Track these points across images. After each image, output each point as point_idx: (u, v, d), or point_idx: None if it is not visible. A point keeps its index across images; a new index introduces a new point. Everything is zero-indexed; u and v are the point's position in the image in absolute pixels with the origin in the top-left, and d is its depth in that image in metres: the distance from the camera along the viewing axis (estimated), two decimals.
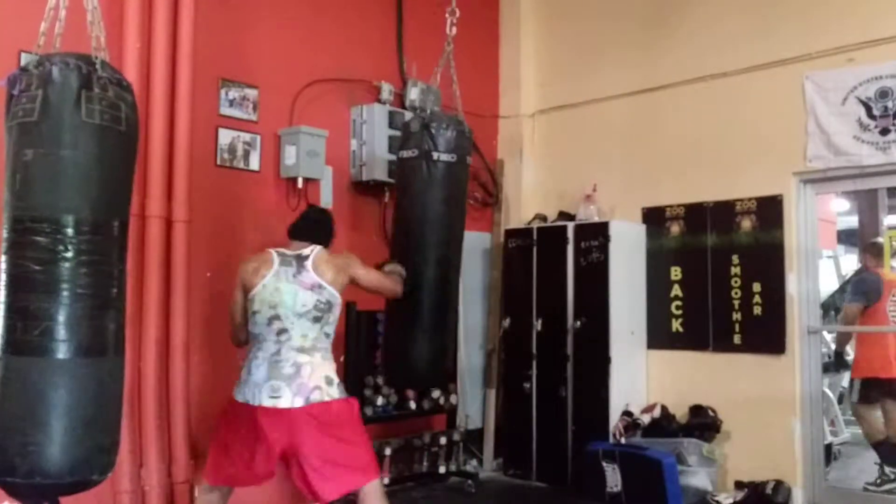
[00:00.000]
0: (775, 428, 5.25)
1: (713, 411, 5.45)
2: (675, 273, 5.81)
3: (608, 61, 6.30)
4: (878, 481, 5.69)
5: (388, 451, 5.32)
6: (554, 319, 5.88)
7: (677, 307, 5.78)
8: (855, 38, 5.05)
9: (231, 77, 4.95)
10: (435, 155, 4.16)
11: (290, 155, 5.08)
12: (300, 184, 5.11)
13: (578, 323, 5.75)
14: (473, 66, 6.06)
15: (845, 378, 6.69)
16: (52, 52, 2.75)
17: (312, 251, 3.60)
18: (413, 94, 5.86)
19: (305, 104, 5.30)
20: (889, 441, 5.95)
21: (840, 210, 9.86)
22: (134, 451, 4.28)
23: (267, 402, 3.41)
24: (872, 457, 5.95)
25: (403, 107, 5.84)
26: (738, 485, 5.31)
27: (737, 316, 5.47)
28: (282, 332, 3.50)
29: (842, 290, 7.35)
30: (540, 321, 5.97)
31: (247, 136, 5.01)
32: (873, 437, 6.03)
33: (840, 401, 6.95)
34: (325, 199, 5.39)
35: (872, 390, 6.07)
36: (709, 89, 5.70)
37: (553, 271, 5.92)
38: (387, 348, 4.63)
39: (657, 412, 5.57)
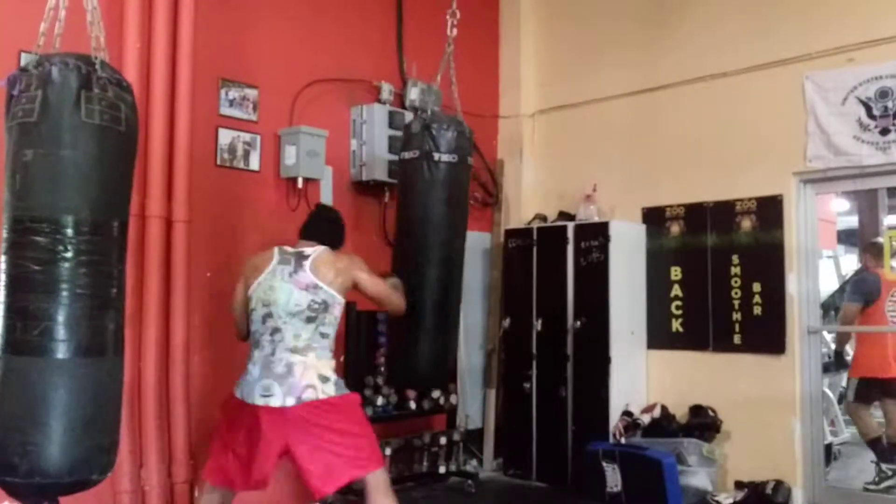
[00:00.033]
0: (775, 428, 5.25)
1: (713, 411, 5.45)
2: (675, 273, 5.81)
3: (608, 61, 6.30)
4: (877, 479, 5.69)
5: (388, 451, 5.31)
6: (554, 319, 5.88)
7: (677, 307, 5.78)
8: (855, 38, 5.05)
9: (231, 77, 4.95)
10: (436, 155, 4.17)
11: (290, 155, 5.08)
12: (300, 184, 5.11)
13: (578, 323, 5.75)
14: (473, 66, 6.06)
15: (845, 378, 6.70)
16: (52, 53, 2.75)
17: (315, 251, 3.57)
18: (413, 94, 5.86)
19: (305, 104, 5.31)
20: (884, 439, 5.97)
21: (840, 210, 9.85)
22: (134, 451, 4.28)
23: (259, 401, 3.41)
24: (872, 456, 5.95)
25: (403, 107, 5.85)
26: (738, 485, 5.31)
27: (737, 316, 5.47)
28: (275, 331, 3.49)
29: (842, 290, 7.35)
30: (540, 321, 5.97)
31: (247, 136, 5.01)
32: (868, 436, 6.05)
33: (840, 401, 6.96)
34: (325, 200, 5.39)
35: (869, 390, 6.08)
36: (709, 89, 5.70)
37: (553, 271, 5.92)
38: (390, 348, 4.64)
39: (657, 412, 5.57)
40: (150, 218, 4.40)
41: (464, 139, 4.28)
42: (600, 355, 5.61)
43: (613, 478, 5.21)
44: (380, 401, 5.37)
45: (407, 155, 4.30)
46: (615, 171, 6.15)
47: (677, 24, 5.94)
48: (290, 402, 3.38)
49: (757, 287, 5.40)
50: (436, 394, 5.71)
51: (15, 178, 2.67)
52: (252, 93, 5.05)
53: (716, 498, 5.20)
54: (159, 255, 4.42)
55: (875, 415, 6.52)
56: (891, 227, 8.24)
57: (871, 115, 5.01)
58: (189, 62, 4.60)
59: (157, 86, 4.47)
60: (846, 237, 10.29)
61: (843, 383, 6.85)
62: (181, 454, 4.46)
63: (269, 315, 3.51)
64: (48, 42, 2.82)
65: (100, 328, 2.70)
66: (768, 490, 5.09)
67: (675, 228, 5.84)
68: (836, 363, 6.70)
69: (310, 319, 3.48)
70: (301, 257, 3.56)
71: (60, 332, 2.60)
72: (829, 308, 7.13)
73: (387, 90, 5.75)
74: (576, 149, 6.48)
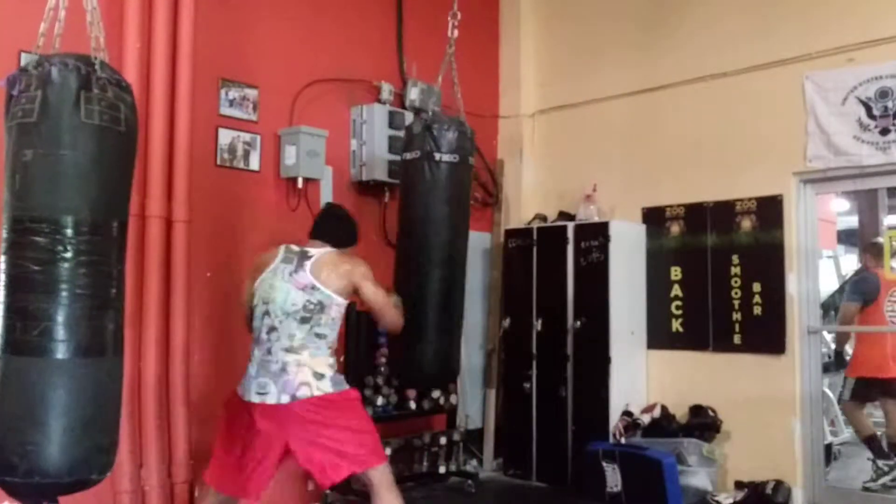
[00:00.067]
0: (775, 428, 5.25)
1: (713, 411, 5.45)
2: (675, 273, 5.81)
3: (608, 61, 6.30)
4: (874, 476, 5.71)
5: (388, 451, 5.28)
6: (554, 319, 5.88)
7: (677, 307, 5.78)
8: (855, 38, 5.05)
9: (231, 77, 4.95)
10: (437, 156, 4.18)
11: (290, 155, 5.09)
12: (300, 184, 5.11)
13: (578, 323, 5.75)
14: (473, 66, 6.06)
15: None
16: (52, 53, 2.75)
17: (320, 252, 3.57)
18: (413, 94, 5.86)
19: (305, 104, 5.31)
20: (882, 437, 5.99)
21: (840, 210, 9.85)
22: (134, 451, 4.28)
23: (255, 399, 3.43)
24: (870, 455, 5.96)
25: (403, 107, 5.85)
26: (738, 485, 5.31)
27: (737, 316, 5.47)
28: (272, 329, 3.50)
29: (841, 290, 7.34)
30: (540, 321, 5.97)
31: (247, 136, 5.01)
32: (863, 433, 6.09)
33: (840, 401, 6.95)
34: (325, 199, 5.39)
35: (867, 389, 6.09)
36: (709, 89, 5.70)
37: (553, 271, 5.92)
38: (394, 348, 4.65)
39: (657, 412, 5.58)
40: (150, 218, 4.40)
41: (465, 139, 4.29)
42: (600, 355, 5.61)
43: (613, 478, 5.22)
44: (380, 401, 5.37)
45: (408, 155, 4.31)
46: (615, 171, 6.15)
47: (677, 24, 5.94)
48: (285, 399, 3.39)
49: (757, 287, 5.41)
50: (436, 394, 5.71)
51: (14, 179, 2.67)
52: (252, 93, 5.05)
53: (716, 498, 5.20)
54: (159, 255, 4.42)
55: (875, 414, 6.54)
56: (891, 227, 8.24)
57: (871, 115, 5.01)
58: (189, 62, 4.60)
59: (157, 86, 4.47)
60: (846, 237, 10.29)
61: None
62: (181, 454, 4.46)
63: (266, 313, 3.53)
64: (48, 42, 2.81)
65: (99, 328, 2.70)
66: (768, 490, 5.09)
67: (675, 228, 5.84)
68: (836, 363, 6.70)
69: (304, 320, 3.47)
70: (304, 257, 3.55)
71: (60, 333, 2.60)
72: (829, 308, 7.13)
73: (387, 90, 5.75)
74: (576, 149, 6.48)
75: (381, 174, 5.54)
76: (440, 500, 5.47)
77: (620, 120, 6.20)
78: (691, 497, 5.15)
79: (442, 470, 5.70)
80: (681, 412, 5.58)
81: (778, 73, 5.36)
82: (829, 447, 5.70)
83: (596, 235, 5.75)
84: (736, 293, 5.49)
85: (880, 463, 5.78)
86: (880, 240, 6.07)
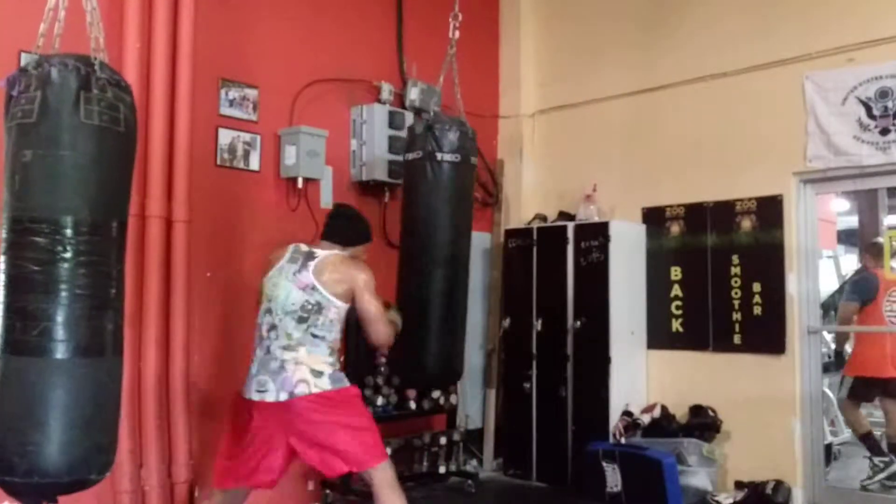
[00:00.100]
0: (775, 428, 5.25)
1: (713, 411, 5.45)
2: (675, 273, 5.81)
3: (608, 61, 6.30)
4: (871, 474, 5.73)
5: (388, 451, 5.30)
6: (554, 319, 5.88)
7: (677, 307, 5.78)
8: (855, 38, 5.05)
9: (231, 77, 4.95)
10: (439, 156, 4.20)
11: (290, 155, 5.08)
12: (300, 184, 5.11)
13: (578, 323, 5.75)
14: (473, 66, 6.06)
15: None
16: (52, 53, 2.75)
17: (325, 253, 3.60)
18: (413, 94, 5.86)
19: (305, 104, 5.31)
20: (881, 435, 6.01)
21: (840, 210, 9.85)
22: (134, 451, 4.28)
23: (255, 397, 3.47)
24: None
25: (403, 107, 5.84)
26: (738, 485, 5.31)
27: (737, 316, 5.47)
28: (272, 327, 3.53)
29: (841, 290, 7.35)
30: (540, 321, 5.97)
31: (247, 136, 5.01)
32: (859, 431, 6.11)
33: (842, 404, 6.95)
34: (325, 199, 5.40)
35: (864, 389, 6.11)
36: (709, 89, 5.70)
37: (553, 271, 5.92)
38: (397, 348, 4.64)
39: (657, 412, 5.57)
40: (150, 218, 4.40)
41: (466, 139, 4.31)
42: (600, 355, 5.61)
43: (613, 478, 5.22)
44: (380, 401, 5.37)
45: (410, 156, 4.33)
46: (615, 171, 6.15)
47: (677, 24, 5.94)
48: (284, 396, 3.41)
49: (757, 287, 5.40)
50: (436, 394, 5.71)
51: (14, 179, 2.67)
52: (252, 93, 5.05)
53: (716, 498, 5.20)
54: (159, 255, 4.42)
55: (875, 414, 6.54)
56: (891, 227, 8.23)
57: (871, 115, 5.01)
58: (189, 62, 4.60)
59: (157, 86, 4.47)
60: (846, 237, 10.28)
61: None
62: (181, 454, 4.46)
63: (269, 311, 3.57)
64: (48, 43, 2.82)
65: (99, 328, 2.70)
66: (768, 490, 5.09)
67: (675, 228, 5.84)
68: (836, 363, 6.71)
69: (301, 320, 3.49)
70: (309, 257, 3.58)
71: (59, 333, 2.61)
72: (830, 308, 7.13)
73: (387, 90, 5.75)
74: (576, 149, 6.48)
75: (381, 174, 5.54)
76: (440, 500, 5.47)
77: (620, 120, 6.20)
78: (691, 497, 5.15)
79: (442, 470, 5.70)
80: (681, 412, 5.58)
81: (778, 73, 5.35)
82: (829, 447, 5.70)
83: (596, 235, 5.75)
84: (736, 293, 5.49)
85: (876, 460, 5.80)
86: (880, 240, 6.07)
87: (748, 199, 5.48)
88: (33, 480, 2.59)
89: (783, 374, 5.25)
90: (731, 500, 5.18)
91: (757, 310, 5.39)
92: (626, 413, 5.54)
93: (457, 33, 4.56)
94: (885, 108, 4.95)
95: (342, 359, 4.92)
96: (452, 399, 5.85)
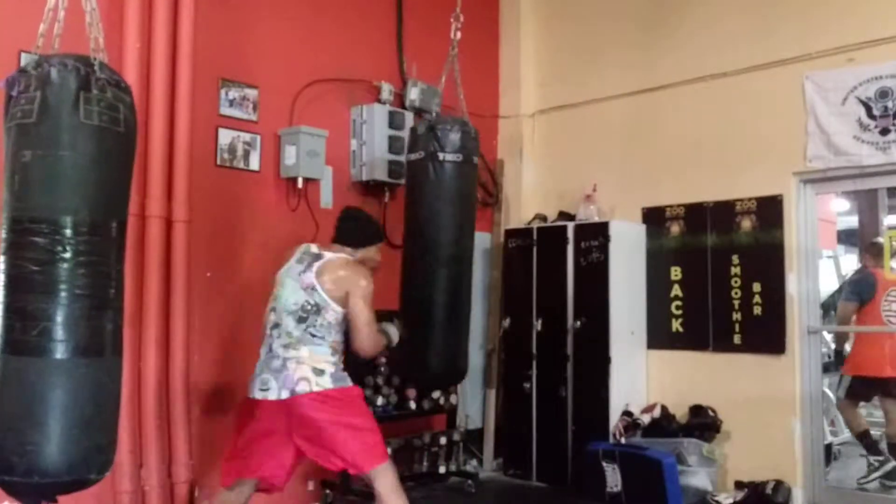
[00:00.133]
0: (775, 428, 5.25)
1: (713, 411, 5.45)
2: (675, 273, 5.81)
3: (608, 61, 6.30)
4: (867, 472, 5.75)
5: (389, 453, 5.31)
6: (554, 319, 5.88)
7: (677, 307, 5.78)
8: (855, 38, 5.05)
9: (231, 77, 4.95)
10: (441, 156, 4.22)
11: (290, 155, 5.09)
12: (300, 184, 5.12)
13: (578, 323, 5.75)
14: (473, 66, 6.06)
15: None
16: (51, 54, 2.76)
17: (331, 255, 3.62)
18: (413, 94, 5.86)
19: (305, 104, 5.31)
20: (878, 434, 6.03)
21: (840, 210, 9.84)
22: (134, 451, 4.28)
23: (258, 395, 3.51)
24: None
25: (403, 107, 5.85)
26: (738, 485, 5.31)
27: (737, 316, 5.47)
28: (275, 326, 3.58)
29: (841, 289, 7.35)
30: (540, 321, 5.97)
31: (247, 136, 5.01)
32: (855, 430, 6.13)
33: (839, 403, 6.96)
34: (325, 200, 5.40)
35: (862, 388, 6.12)
36: (709, 89, 5.70)
37: (553, 271, 5.92)
38: (401, 348, 4.65)
39: (657, 412, 5.57)
40: (150, 218, 4.40)
41: (469, 139, 4.33)
42: (600, 355, 5.61)
43: (613, 478, 5.22)
44: (380, 401, 5.37)
45: (413, 156, 4.36)
46: (615, 171, 6.15)
47: (677, 24, 5.93)
48: (285, 394, 3.45)
49: (757, 287, 5.40)
50: (436, 394, 5.71)
51: (14, 179, 2.68)
52: (252, 93, 5.05)
53: (716, 498, 5.20)
54: (159, 255, 4.43)
55: (875, 414, 6.54)
56: (891, 227, 8.23)
57: (871, 115, 5.01)
58: (189, 62, 4.60)
59: (157, 86, 4.47)
60: (846, 237, 10.27)
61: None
62: (181, 454, 4.46)
63: (273, 309, 3.62)
64: (47, 43, 2.82)
65: (98, 328, 2.71)
66: (768, 490, 5.09)
67: (675, 228, 5.84)
68: (836, 363, 6.71)
69: (301, 319, 3.53)
70: (316, 258, 3.61)
71: (59, 333, 2.61)
72: (830, 308, 7.13)
73: (387, 90, 5.75)
74: (576, 149, 6.48)
75: (381, 174, 5.54)
76: (440, 500, 5.47)
77: (620, 120, 6.20)
78: (691, 497, 5.15)
79: (442, 470, 5.70)
80: (681, 412, 5.58)
81: (778, 73, 5.35)
82: (829, 447, 5.70)
83: (596, 235, 5.75)
84: (736, 293, 5.48)
85: (871, 459, 5.81)
86: (880, 240, 6.07)
87: (748, 199, 5.48)
88: (33, 480, 2.60)
89: (783, 374, 5.25)
90: (731, 500, 5.17)
91: (757, 310, 5.39)
92: (626, 413, 5.54)
93: (458, 34, 4.56)
94: (885, 108, 4.95)
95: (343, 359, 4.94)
96: (452, 399, 5.85)
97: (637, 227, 5.98)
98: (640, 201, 6.01)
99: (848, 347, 6.60)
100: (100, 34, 2.87)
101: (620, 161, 6.16)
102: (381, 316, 4.42)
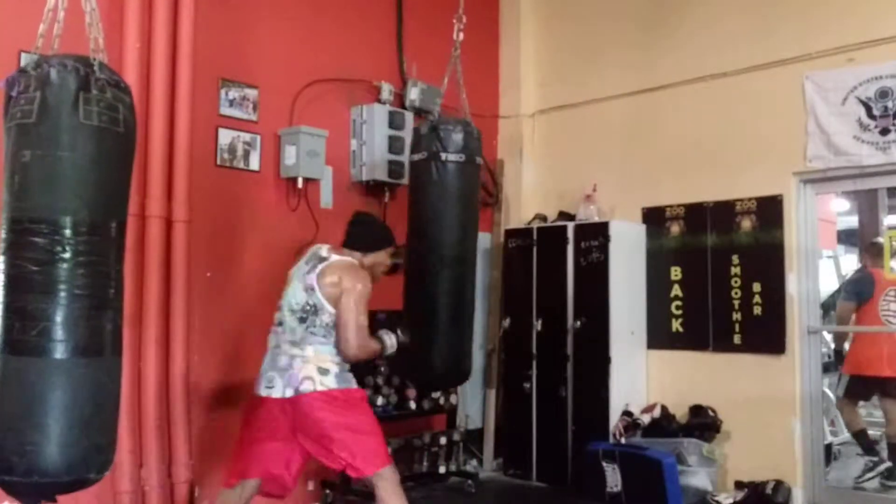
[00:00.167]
0: (775, 428, 5.25)
1: (713, 411, 5.45)
2: (675, 273, 5.81)
3: (608, 61, 6.30)
4: (863, 471, 5.77)
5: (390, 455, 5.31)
6: (554, 319, 5.88)
7: (677, 307, 5.78)
8: (855, 38, 5.05)
9: (231, 77, 4.95)
10: (443, 156, 4.23)
11: (290, 155, 5.09)
12: (300, 184, 5.12)
13: (578, 323, 5.75)
14: (473, 66, 6.03)
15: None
16: (51, 54, 2.76)
17: (334, 258, 3.64)
18: (413, 94, 5.86)
19: (305, 104, 5.31)
20: (879, 436, 6.05)
21: (840, 210, 9.84)
22: (134, 451, 4.28)
23: (263, 392, 3.55)
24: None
25: (403, 107, 5.85)
26: (738, 485, 5.31)
27: (737, 316, 5.47)
28: (280, 323, 3.64)
29: (840, 290, 7.35)
30: (540, 321, 5.97)
31: (247, 136, 5.01)
32: (852, 428, 6.16)
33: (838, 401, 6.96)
34: (325, 200, 5.40)
35: (860, 387, 6.13)
36: (709, 89, 5.70)
37: (553, 271, 5.92)
38: (403, 354, 4.65)
39: (657, 412, 5.57)
40: (150, 218, 4.41)
41: (472, 139, 4.34)
42: (600, 355, 5.61)
43: (613, 478, 5.22)
44: (380, 401, 5.37)
45: (415, 157, 4.37)
46: (615, 171, 6.15)
47: (677, 24, 5.94)
48: (289, 392, 3.48)
49: (757, 287, 5.40)
50: (436, 394, 5.71)
51: (13, 179, 2.67)
52: (252, 93, 5.05)
53: (716, 498, 5.20)
54: (159, 255, 4.43)
55: (875, 414, 6.54)
56: (891, 227, 8.22)
57: (871, 115, 5.01)
58: (189, 62, 4.60)
59: (157, 86, 4.48)
60: (846, 237, 10.27)
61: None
62: (181, 454, 4.46)
63: (280, 307, 3.67)
64: (47, 43, 2.82)
65: (98, 328, 2.70)
66: (768, 490, 5.09)
67: (675, 228, 5.84)
68: (835, 363, 6.71)
69: (302, 319, 3.57)
70: (321, 260, 3.64)
71: (58, 333, 2.61)
72: (830, 308, 7.13)
73: (387, 90, 5.75)
74: (576, 149, 6.48)
75: (381, 174, 5.54)
76: (440, 500, 5.47)
77: (620, 120, 6.20)
78: (691, 497, 5.16)
79: (442, 470, 5.70)
80: (681, 412, 5.58)
81: (778, 73, 5.35)
82: (829, 447, 5.70)
83: (596, 235, 5.75)
84: (736, 293, 5.49)
85: (865, 459, 5.85)
86: (880, 240, 6.08)
87: (748, 199, 5.48)
88: (33, 480, 2.60)
89: (783, 374, 5.25)
90: (731, 500, 5.18)
91: (757, 310, 5.39)
92: (626, 413, 5.54)
93: (461, 35, 4.57)
94: (885, 108, 4.95)
95: None
96: (452, 399, 5.85)
97: (637, 227, 5.98)
98: (640, 201, 6.01)
99: (847, 347, 6.61)
100: (100, 34, 2.86)
101: (620, 161, 6.16)
102: (387, 320, 4.44)
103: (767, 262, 5.37)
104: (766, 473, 5.19)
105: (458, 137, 4.24)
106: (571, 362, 5.76)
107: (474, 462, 6.26)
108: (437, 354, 4.26)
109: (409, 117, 5.75)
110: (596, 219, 5.94)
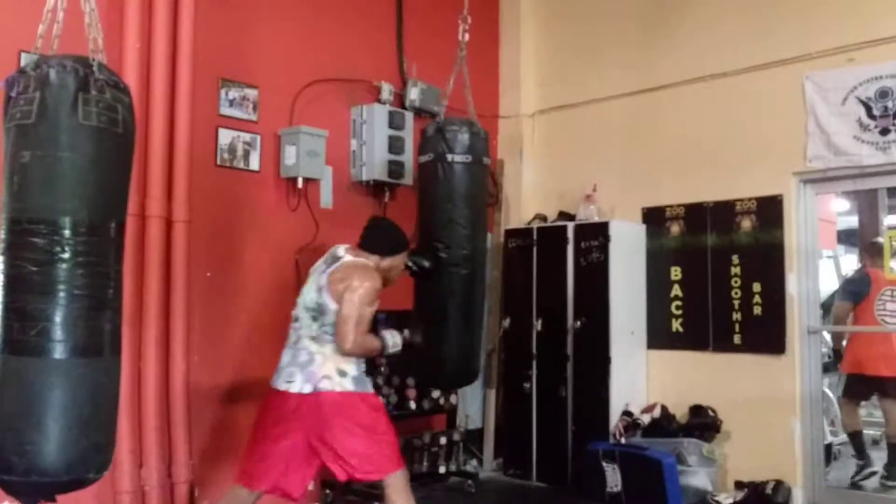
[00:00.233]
0: (775, 428, 5.25)
1: (713, 411, 5.45)
2: (675, 273, 5.81)
3: (608, 61, 6.30)
4: (856, 472, 5.80)
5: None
6: (554, 319, 5.88)
7: (677, 307, 5.78)
8: (855, 38, 5.05)
9: (231, 77, 4.95)
10: (449, 157, 4.29)
11: (290, 155, 5.09)
12: (300, 184, 5.12)
13: (578, 323, 5.75)
14: (473, 66, 6.00)
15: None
16: (50, 54, 2.76)
17: (349, 258, 3.66)
18: (413, 94, 5.87)
19: (305, 104, 5.31)
20: (861, 435, 6.07)
21: (840, 210, 9.83)
22: (134, 451, 4.28)
23: (282, 386, 3.55)
24: (873, 457, 5.98)
25: (403, 107, 5.85)
26: (738, 485, 5.31)
27: (737, 316, 5.47)
28: (296, 320, 3.67)
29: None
30: (540, 321, 5.97)
31: (247, 136, 5.01)
32: (848, 429, 6.17)
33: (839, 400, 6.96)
34: (325, 199, 5.41)
35: (859, 386, 6.13)
36: (709, 89, 5.70)
37: (553, 271, 5.92)
38: (410, 352, 4.66)
39: (657, 412, 5.57)
40: (150, 218, 4.41)
41: (478, 140, 4.41)
42: (600, 355, 5.61)
43: (613, 478, 5.22)
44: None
45: (423, 158, 4.42)
46: (615, 171, 6.15)
47: (677, 24, 5.93)
48: (308, 389, 3.49)
49: (757, 287, 5.40)
50: (436, 394, 5.72)
51: (13, 180, 2.68)
52: (252, 93, 5.05)
53: (716, 498, 5.20)
54: (159, 255, 4.43)
55: (874, 414, 6.54)
56: (891, 227, 8.21)
57: (871, 115, 5.01)
58: (189, 62, 4.61)
59: (157, 86, 4.48)
60: (846, 237, 10.25)
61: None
62: (181, 454, 4.47)
63: (296, 304, 3.71)
64: (46, 44, 2.82)
65: (97, 328, 2.71)
66: (768, 490, 5.09)
67: (675, 228, 5.84)
68: (835, 362, 6.71)
69: (314, 318, 3.60)
70: (335, 260, 3.67)
71: (57, 333, 2.61)
72: (830, 308, 7.13)
73: (387, 90, 5.75)
74: (576, 149, 6.48)
75: (381, 174, 5.54)
76: (440, 500, 5.47)
77: (620, 120, 6.20)
78: (691, 497, 5.16)
79: (442, 470, 5.71)
80: (681, 412, 5.58)
81: (778, 73, 5.35)
82: (829, 447, 5.70)
83: (596, 235, 5.75)
84: (736, 293, 5.48)
85: (856, 461, 5.90)
86: (880, 240, 6.08)
87: (748, 199, 5.48)
88: (32, 479, 2.61)
89: (783, 374, 5.25)
90: (731, 500, 5.18)
91: (757, 310, 5.39)
92: (626, 413, 5.54)
93: (467, 36, 4.58)
94: (885, 108, 4.95)
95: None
96: (452, 399, 5.85)
97: (637, 227, 5.98)
98: (640, 201, 6.01)
99: (844, 345, 6.61)
100: (99, 35, 2.86)
101: (620, 161, 6.16)
102: (387, 320, 4.44)
103: (767, 262, 5.37)
104: (766, 473, 5.19)
105: (464, 138, 4.32)
106: (571, 362, 5.76)
107: (474, 462, 6.26)
108: (447, 354, 4.29)
109: (409, 117, 5.75)
110: (596, 219, 5.94)
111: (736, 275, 5.50)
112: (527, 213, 6.56)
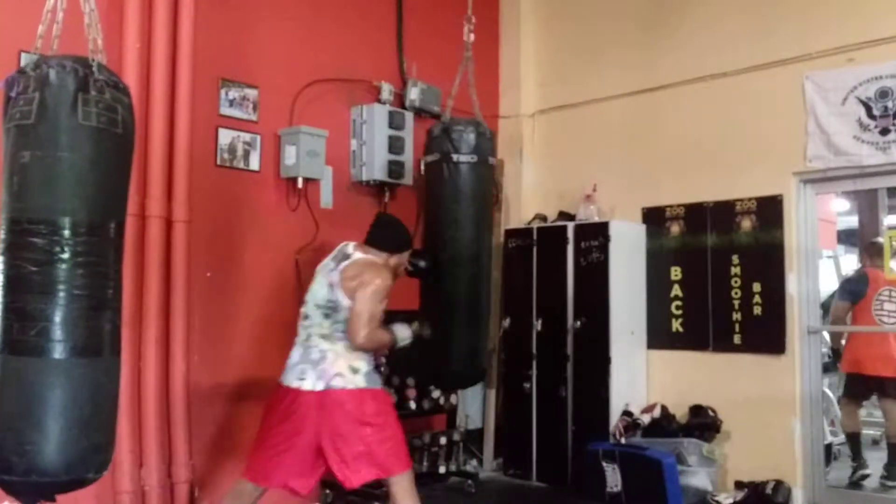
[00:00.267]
0: (775, 428, 5.25)
1: (713, 411, 5.45)
2: (675, 273, 5.81)
3: (608, 61, 6.30)
4: (852, 472, 5.81)
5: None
6: (554, 319, 5.88)
7: (677, 307, 5.78)
8: (855, 38, 5.05)
9: (231, 77, 4.95)
10: (455, 157, 4.32)
11: (290, 155, 5.09)
12: (300, 184, 5.12)
13: (578, 323, 5.75)
14: (474, 66, 6.06)
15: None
16: (50, 55, 2.76)
17: (359, 255, 3.68)
18: (413, 94, 5.87)
19: (305, 104, 5.31)
20: (859, 436, 6.08)
21: (840, 210, 9.82)
22: (134, 451, 4.29)
23: (294, 384, 3.55)
24: (873, 457, 5.98)
25: (403, 107, 5.85)
26: (738, 485, 5.31)
27: (737, 316, 5.47)
28: (306, 317, 3.68)
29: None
30: (540, 321, 5.97)
31: (247, 136, 5.01)
32: (846, 429, 6.18)
33: (840, 400, 6.97)
34: (325, 200, 5.41)
35: (858, 385, 6.14)
36: (709, 89, 5.69)
37: (553, 271, 5.92)
38: (418, 348, 4.66)
39: (657, 412, 5.57)
40: (150, 218, 4.41)
41: (484, 140, 4.42)
42: (600, 355, 5.61)
43: (613, 478, 5.22)
44: None
45: (428, 158, 4.46)
46: (615, 171, 6.15)
47: (677, 24, 5.93)
48: (320, 386, 3.50)
49: (757, 287, 5.40)
50: (436, 394, 5.72)
51: (12, 180, 2.68)
52: (252, 93, 5.05)
53: (716, 498, 5.20)
54: (159, 255, 4.43)
55: (875, 414, 6.54)
56: (891, 227, 8.20)
57: (871, 115, 5.00)
58: (189, 62, 4.61)
59: (157, 86, 4.48)
60: (846, 237, 10.25)
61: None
62: (181, 454, 4.47)
63: (305, 302, 3.71)
64: (46, 44, 2.82)
65: (96, 328, 2.71)
66: (768, 490, 5.09)
67: (675, 228, 5.84)
68: (834, 362, 6.71)
69: (326, 315, 3.62)
70: (345, 257, 3.68)
71: (57, 333, 2.62)
72: (829, 308, 7.14)
73: (387, 90, 5.75)
74: (576, 149, 6.48)
75: (380, 174, 5.54)
76: (440, 500, 5.47)
77: (620, 120, 6.19)
78: (691, 497, 5.15)
79: (442, 470, 5.70)
80: (681, 412, 5.58)
81: (778, 73, 5.35)
82: (829, 447, 5.71)
83: (596, 235, 5.75)
84: (736, 293, 5.48)
85: (851, 462, 5.90)
86: (880, 240, 6.07)
87: (748, 199, 5.48)
88: (31, 479, 2.61)
89: (783, 374, 5.25)
90: (731, 500, 5.17)
91: (757, 310, 5.39)
92: (626, 413, 5.54)
93: (472, 36, 4.58)
94: (885, 108, 4.94)
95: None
96: (452, 399, 5.85)
97: (637, 227, 5.98)
98: (640, 201, 6.01)
99: (843, 345, 6.62)
100: (98, 35, 2.87)
101: (620, 161, 6.16)
102: (406, 317, 4.43)
103: (767, 262, 5.37)
104: (766, 473, 5.19)
105: (469, 138, 4.33)
106: (571, 362, 5.76)
107: (474, 462, 6.25)
108: (454, 353, 4.31)
109: (409, 117, 5.75)
110: (596, 219, 5.94)
111: (736, 275, 5.50)
112: (527, 213, 6.56)
